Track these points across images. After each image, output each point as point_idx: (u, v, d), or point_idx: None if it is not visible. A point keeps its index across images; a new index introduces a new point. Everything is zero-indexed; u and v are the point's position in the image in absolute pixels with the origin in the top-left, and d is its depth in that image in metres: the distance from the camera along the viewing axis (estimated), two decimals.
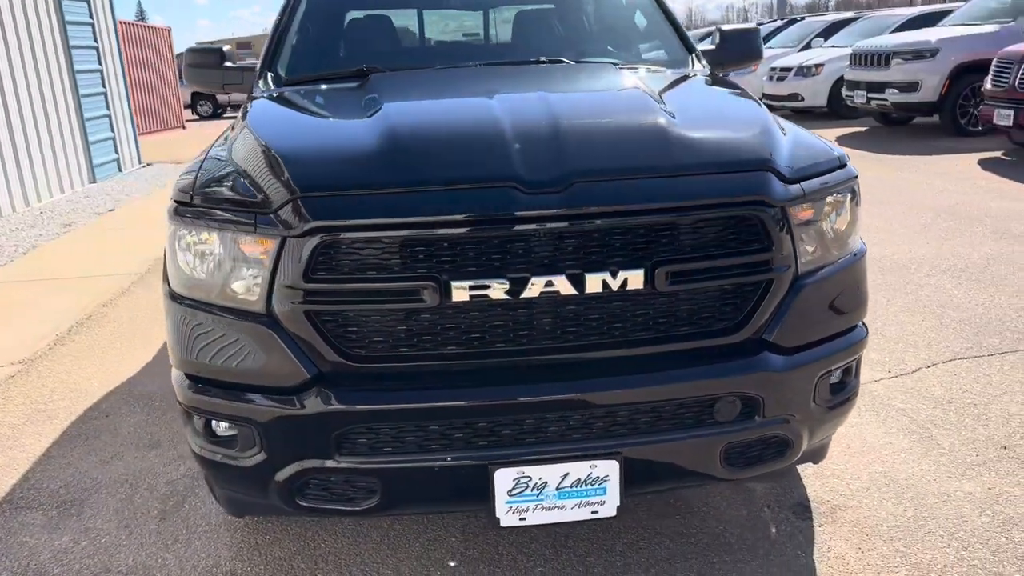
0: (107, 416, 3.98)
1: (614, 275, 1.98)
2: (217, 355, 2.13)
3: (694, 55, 3.63)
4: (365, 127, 2.26)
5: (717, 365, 2.11)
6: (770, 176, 2.11)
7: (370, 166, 2.05)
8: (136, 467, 3.43)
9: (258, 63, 3.58)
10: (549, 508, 2.09)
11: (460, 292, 1.95)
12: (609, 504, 2.10)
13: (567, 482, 2.07)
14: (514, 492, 2.06)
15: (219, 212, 2.11)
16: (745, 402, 2.14)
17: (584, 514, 2.10)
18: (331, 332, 2.03)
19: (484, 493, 2.06)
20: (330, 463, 2.07)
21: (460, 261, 1.97)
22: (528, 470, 2.05)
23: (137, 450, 3.59)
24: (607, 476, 2.08)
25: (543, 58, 3.34)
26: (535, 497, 2.07)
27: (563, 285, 1.96)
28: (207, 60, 3.74)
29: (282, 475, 2.12)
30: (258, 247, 2.04)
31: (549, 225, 1.95)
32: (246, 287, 2.08)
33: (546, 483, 2.06)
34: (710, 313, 2.12)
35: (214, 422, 2.19)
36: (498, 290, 1.95)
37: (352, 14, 3.96)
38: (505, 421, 2.04)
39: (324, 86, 3.20)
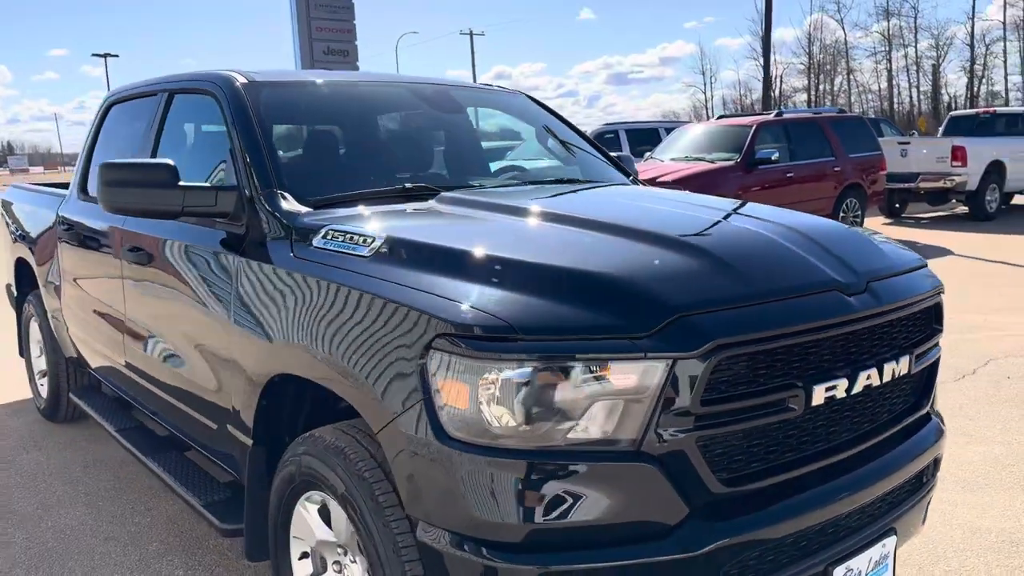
0: None
1: (897, 362, 2.17)
2: (570, 511, 1.78)
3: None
4: (678, 246, 2.13)
5: (935, 432, 2.43)
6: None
7: (726, 282, 1.98)
8: None
9: (247, 183, 2.71)
10: None
11: (818, 395, 1.98)
12: None
13: (871, 566, 2.18)
14: None
15: (570, 342, 1.78)
16: (936, 463, 2.46)
17: None
18: (712, 458, 1.88)
19: None
20: None
21: (816, 365, 2.01)
22: (851, 563, 2.12)
23: None
24: (889, 552, 2.24)
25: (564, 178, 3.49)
26: None
27: (875, 377, 2.10)
28: (151, 177, 2.65)
29: None
30: (630, 376, 1.77)
31: (867, 324, 2.09)
32: (614, 423, 1.79)
33: (861, 572, 2.15)
34: (918, 390, 2.43)
35: None
36: (840, 389, 2.02)
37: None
38: (840, 519, 2.10)
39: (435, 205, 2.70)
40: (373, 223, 2.49)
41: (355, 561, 2.26)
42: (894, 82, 63.17)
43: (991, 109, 16.54)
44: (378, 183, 2.95)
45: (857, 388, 2.05)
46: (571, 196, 3.14)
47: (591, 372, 1.77)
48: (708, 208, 2.75)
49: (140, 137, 3.64)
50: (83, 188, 4.21)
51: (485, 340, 1.80)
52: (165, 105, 3.54)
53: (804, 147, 11.35)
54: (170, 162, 2.74)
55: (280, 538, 2.49)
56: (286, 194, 2.67)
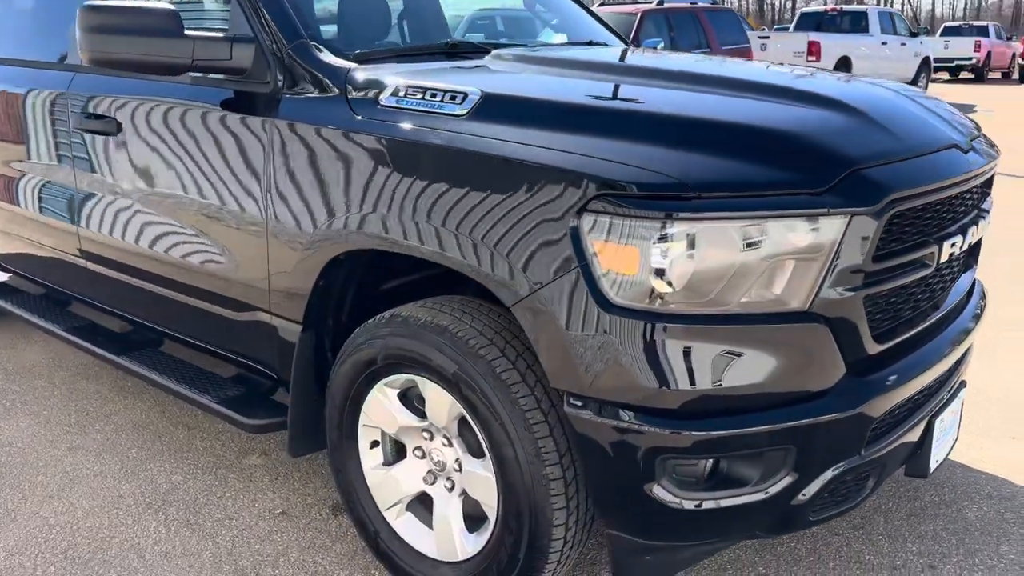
0: None
1: (984, 220, 2.23)
2: (734, 375, 1.73)
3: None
4: (825, 102, 2.04)
5: (982, 288, 2.54)
6: None
7: (884, 138, 1.95)
8: None
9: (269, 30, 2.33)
10: (944, 447, 2.25)
11: (945, 252, 1.99)
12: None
13: (953, 416, 2.27)
14: (937, 439, 2.19)
15: (748, 199, 1.68)
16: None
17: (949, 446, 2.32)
18: (873, 316, 1.86)
19: (921, 447, 2.14)
20: (856, 461, 1.89)
21: (941, 222, 2.02)
22: (943, 414, 2.18)
23: None
24: (962, 402, 2.33)
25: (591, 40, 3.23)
26: (942, 438, 2.21)
27: (973, 234, 2.13)
28: (152, 24, 2.27)
29: (807, 493, 1.84)
30: (808, 233, 1.69)
31: (976, 181, 2.13)
32: (788, 283, 1.72)
33: (947, 422, 2.22)
34: (975, 250, 2.48)
35: (716, 462, 1.81)
36: (957, 246, 2.04)
37: None
38: (943, 374, 2.15)
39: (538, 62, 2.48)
40: (451, 78, 2.23)
41: (450, 444, 2.12)
42: None
43: (837, 8, 17.41)
44: (409, 39, 2.65)
45: (965, 245, 2.09)
46: (652, 57, 2.92)
47: (770, 230, 1.68)
48: (807, 70, 2.68)
49: None
50: None
51: (655, 199, 1.67)
52: None
53: (683, 36, 11.45)
54: (171, 6, 2.33)
55: (347, 427, 2.29)
56: (321, 47, 2.34)
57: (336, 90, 2.23)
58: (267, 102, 2.34)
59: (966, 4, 71.79)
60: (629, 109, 1.97)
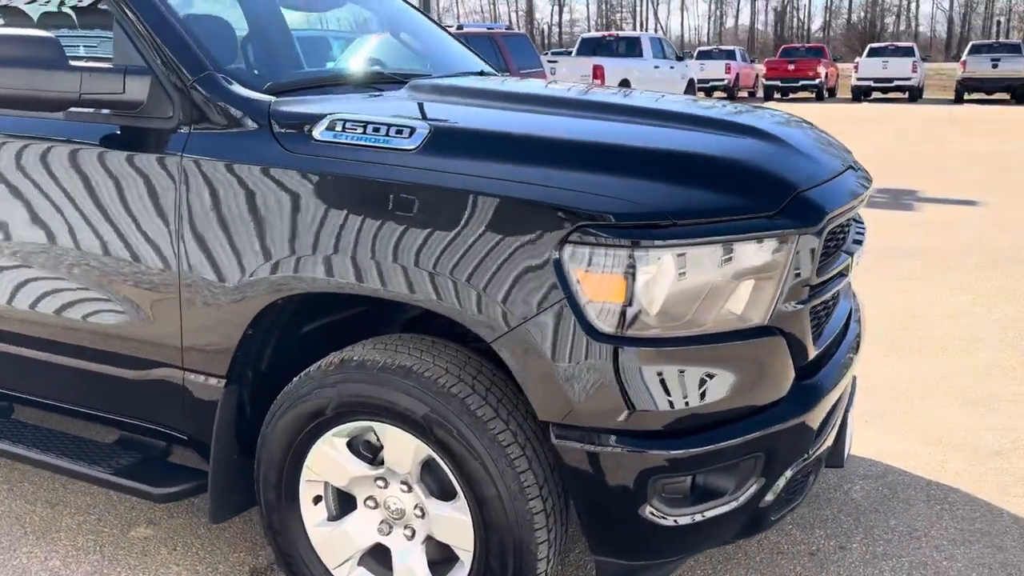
0: None
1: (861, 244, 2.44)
2: (714, 391, 1.83)
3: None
4: (750, 132, 2.18)
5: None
6: None
7: (808, 164, 2.11)
8: None
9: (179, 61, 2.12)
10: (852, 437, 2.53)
11: (852, 263, 2.22)
12: None
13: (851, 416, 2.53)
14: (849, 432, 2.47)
15: (720, 224, 1.78)
16: None
17: None
18: (812, 325, 2.03)
19: (839, 440, 2.33)
20: (806, 459, 2.04)
21: (852, 234, 2.30)
22: (851, 410, 2.46)
23: None
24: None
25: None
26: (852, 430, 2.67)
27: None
28: (32, 54, 2.04)
29: (772, 495, 1.96)
30: (766, 253, 1.81)
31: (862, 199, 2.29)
32: (750, 301, 1.83)
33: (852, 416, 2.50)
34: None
35: (698, 476, 1.87)
36: (860, 255, 2.32)
37: None
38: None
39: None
40: (385, 110, 2.16)
41: (409, 490, 2.04)
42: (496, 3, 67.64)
43: (614, 33, 18.65)
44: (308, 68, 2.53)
45: (854, 263, 2.28)
46: (565, 88, 2.90)
47: (736, 252, 1.79)
48: (711, 102, 2.85)
49: None
50: None
51: (636, 228, 1.72)
52: None
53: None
54: (52, 35, 2.08)
55: (287, 485, 2.14)
56: (230, 79, 2.17)
57: (255, 124, 2.09)
58: (169, 138, 2.14)
59: (708, 30, 79.56)
60: (590, 141, 2.01)
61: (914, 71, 25.25)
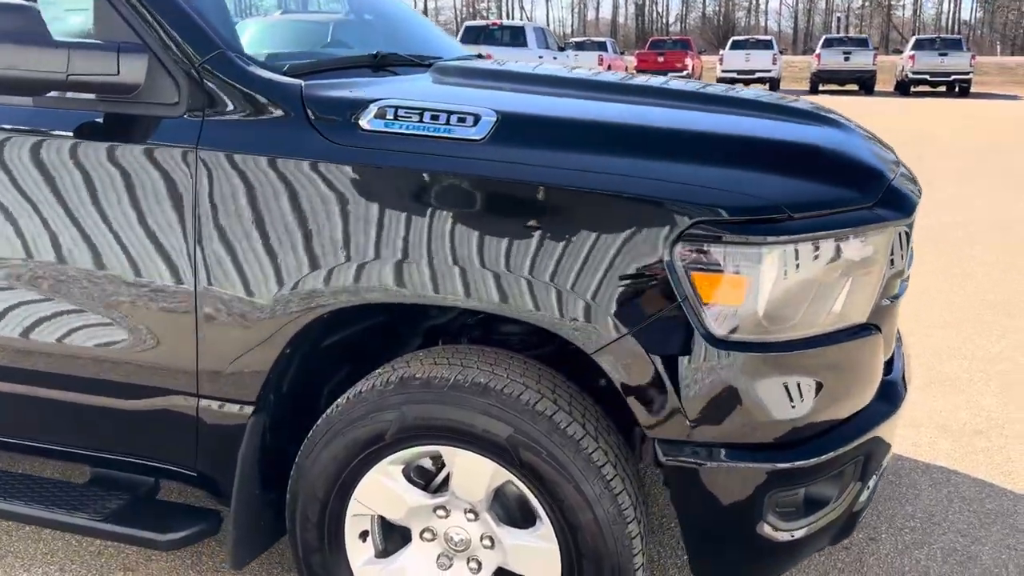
0: None
1: None
2: (829, 395, 1.72)
3: None
4: (816, 119, 2.11)
5: None
6: None
7: (884, 155, 2.04)
8: None
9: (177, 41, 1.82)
10: None
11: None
12: None
13: None
14: None
15: (834, 217, 1.67)
16: None
17: None
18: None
19: None
20: (887, 455, 1.97)
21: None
22: None
23: None
24: None
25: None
26: None
27: None
28: (10, 27, 1.70)
29: (864, 496, 1.89)
30: (869, 247, 1.72)
31: None
32: (855, 295, 1.73)
33: None
34: None
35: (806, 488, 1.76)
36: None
37: None
38: None
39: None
40: (434, 95, 1.93)
41: (476, 519, 1.84)
42: None
43: (497, 22, 18.53)
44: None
45: None
46: (601, 74, 2.74)
47: (844, 247, 1.69)
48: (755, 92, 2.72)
49: None
50: None
51: (756, 223, 1.60)
52: None
53: None
54: (35, 4, 1.73)
55: (331, 523, 1.88)
56: (248, 59, 1.88)
57: (283, 112, 1.81)
58: (175, 128, 1.83)
59: (572, 21, 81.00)
60: (684, 130, 1.85)
61: (774, 63, 26.61)
